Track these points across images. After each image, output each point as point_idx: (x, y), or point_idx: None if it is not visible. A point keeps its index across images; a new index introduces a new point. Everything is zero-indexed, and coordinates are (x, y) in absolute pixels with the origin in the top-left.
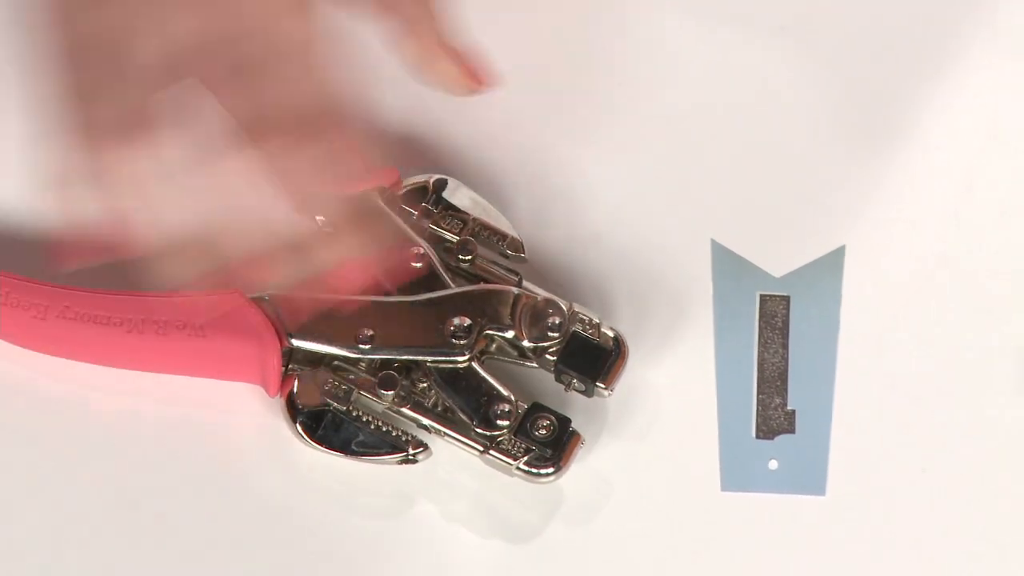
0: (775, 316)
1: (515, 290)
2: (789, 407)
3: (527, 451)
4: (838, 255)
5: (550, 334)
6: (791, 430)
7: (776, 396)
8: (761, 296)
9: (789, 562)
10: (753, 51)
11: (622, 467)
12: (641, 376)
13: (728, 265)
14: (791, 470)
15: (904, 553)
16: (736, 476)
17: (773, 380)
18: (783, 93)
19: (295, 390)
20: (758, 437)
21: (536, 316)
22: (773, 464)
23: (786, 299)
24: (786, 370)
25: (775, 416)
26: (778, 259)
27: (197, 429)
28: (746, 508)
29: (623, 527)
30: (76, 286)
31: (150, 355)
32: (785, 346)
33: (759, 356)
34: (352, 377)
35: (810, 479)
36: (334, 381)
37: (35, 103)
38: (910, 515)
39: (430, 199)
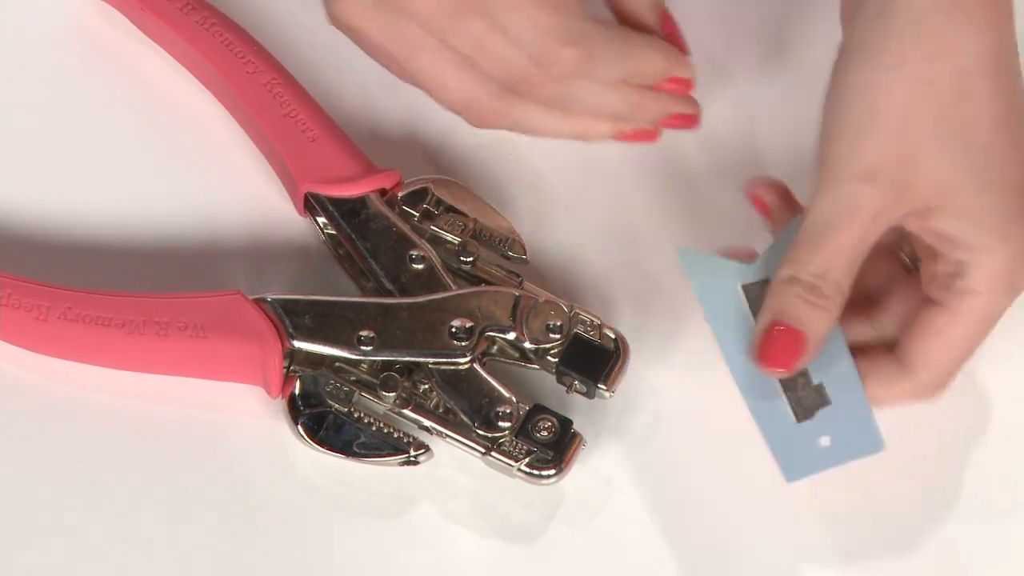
0: (762, 302)
1: (516, 291)
2: (814, 382)
3: (528, 452)
4: (798, 226)
5: (551, 335)
6: (826, 403)
7: (798, 376)
8: (743, 287)
9: (790, 560)
10: (753, 47)
11: (623, 468)
12: (642, 377)
13: (701, 267)
14: (843, 439)
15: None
16: (796, 464)
17: None
18: (779, 92)
19: (296, 391)
20: (799, 421)
21: (537, 317)
22: (825, 441)
23: (766, 283)
24: None
25: (805, 395)
26: None
27: (198, 430)
28: (746, 507)
29: (624, 528)
30: (78, 287)
31: (151, 356)
32: None
33: None
34: (353, 378)
35: (864, 440)
36: (335, 382)
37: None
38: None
39: (431, 201)
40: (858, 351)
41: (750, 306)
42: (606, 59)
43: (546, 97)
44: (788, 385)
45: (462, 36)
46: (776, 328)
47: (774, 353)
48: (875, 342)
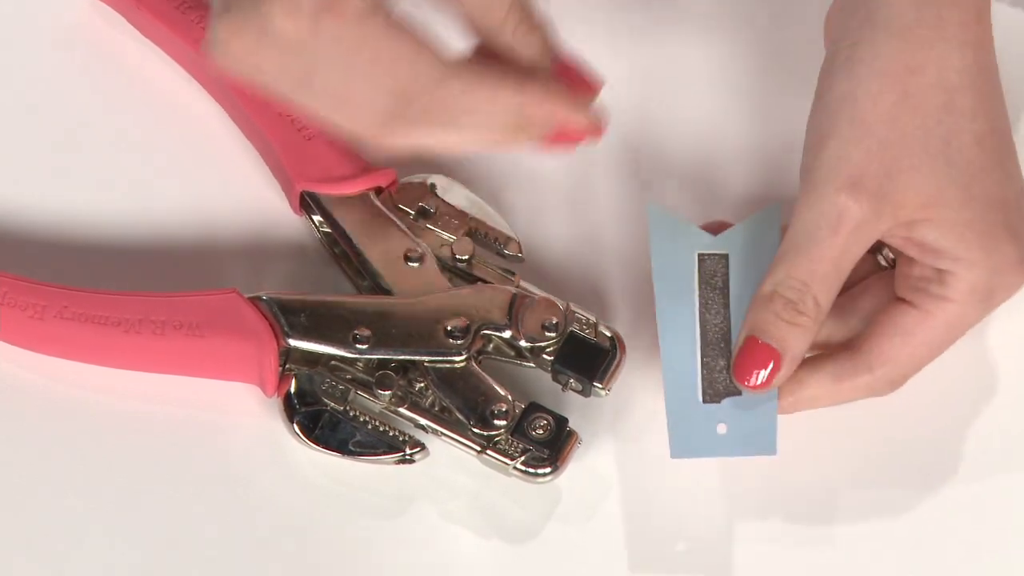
0: (715, 276)
1: (512, 290)
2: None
3: (524, 451)
4: (774, 211)
5: (547, 334)
6: (737, 392)
7: (720, 358)
8: (700, 256)
9: (787, 559)
10: (749, 45)
11: (619, 466)
12: (638, 375)
13: (665, 225)
14: (740, 432)
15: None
16: (685, 442)
17: (716, 342)
18: (771, 94)
19: (292, 390)
20: (705, 401)
21: (533, 316)
22: (722, 428)
23: (724, 257)
24: (729, 331)
25: (720, 379)
26: None
27: (194, 429)
28: (746, 506)
29: (621, 526)
30: (74, 286)
31: (148, 355)
32: (726, 306)
33: (701, 318)
34: (349, 377)
35: (759, 439)
36: (331, 381)
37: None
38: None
39: (427, 199)
40: (820, 346)
41: (700, 275)
42: (472, 105)
43: (432, 122)
44: (707, 364)
45: (312, 101)
46: (752, 344)
47: (748, 369)
48: (840, 339)
